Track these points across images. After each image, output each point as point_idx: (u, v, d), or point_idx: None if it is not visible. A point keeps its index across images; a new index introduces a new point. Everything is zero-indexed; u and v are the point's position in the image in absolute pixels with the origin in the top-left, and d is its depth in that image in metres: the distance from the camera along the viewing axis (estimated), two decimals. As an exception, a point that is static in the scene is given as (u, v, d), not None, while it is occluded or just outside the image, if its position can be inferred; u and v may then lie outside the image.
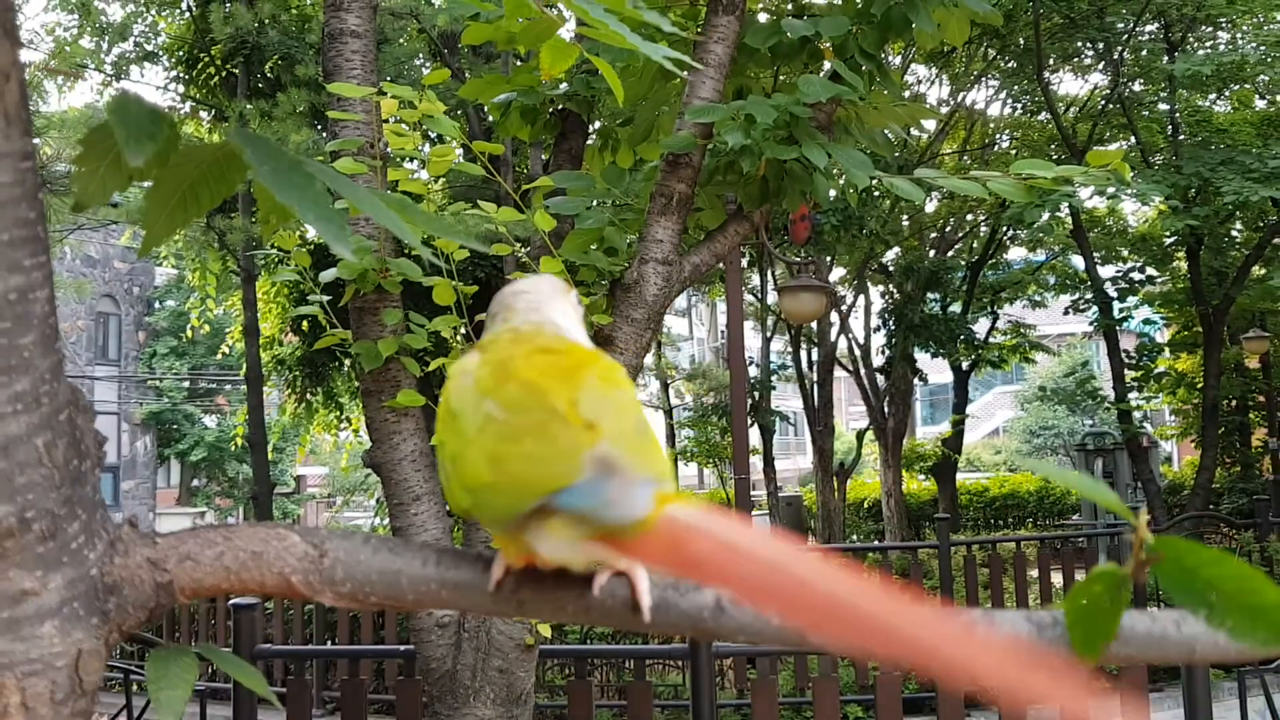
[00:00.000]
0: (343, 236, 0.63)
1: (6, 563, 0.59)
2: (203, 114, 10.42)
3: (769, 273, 13.76)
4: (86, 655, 0.59)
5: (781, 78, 3.01)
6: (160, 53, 10.37)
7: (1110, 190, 9.09)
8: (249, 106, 8.96)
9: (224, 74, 9.93)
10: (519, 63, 5.63)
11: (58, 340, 0.61)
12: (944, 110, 12.16)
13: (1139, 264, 11.84)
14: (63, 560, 0.59)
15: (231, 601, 2.69)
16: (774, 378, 14.55)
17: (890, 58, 10.77)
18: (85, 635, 0.60)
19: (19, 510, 0.58)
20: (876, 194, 9.24)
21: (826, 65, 2.81)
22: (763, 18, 3.34)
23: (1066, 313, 13.16)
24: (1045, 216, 10.45)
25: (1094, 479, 0.65)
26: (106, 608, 0.61)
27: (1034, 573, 6.91)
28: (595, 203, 2.74)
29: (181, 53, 10.16)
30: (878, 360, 13.20)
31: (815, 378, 13.17)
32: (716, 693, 3.25)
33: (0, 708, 0.59)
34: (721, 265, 9.40)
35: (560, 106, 3.06)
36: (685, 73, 2.51)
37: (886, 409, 12.73)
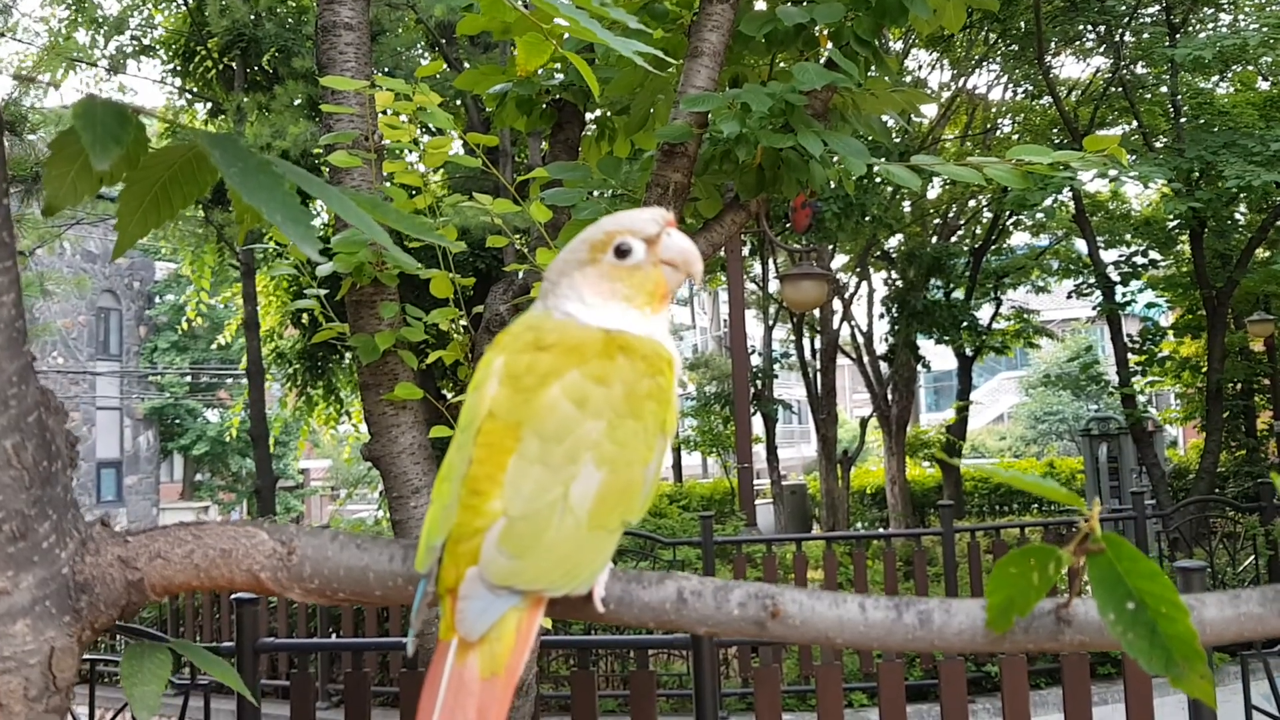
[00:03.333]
0: (309, 236, 0.63)
1: (-22, 563, 0.59)
2: (199, 107, 10.42)
3: (770, 261, 13.73)
4: (59, 653, 0.60)
5: (778, 65, 2.99)
6: (157, 46, 10.37)
7: (1112, 174, 9.04)
8: (246, 99, 8.95)
9: (221, 67, 9.93)
10: (516, 53, 5.60)
11: (25, 343, 0.61)
12: (945, 95, 12.10)
13: (1142, 248, 11.79)
14: (33, 560, 0.60)
15: (234, 596, 2.69)
16: (777, 366, 14.55)
17: (891, 43, 10.71)
18: (58, 633, 0.60)
19: (-11, 511, 0.58)
20: (877, 180, 9.20)
21: (824, 52, 2.80)
22: (759, 5, 3.32)
23: (1070, 297, 13.12)
24: (1048, 201, 10.40)
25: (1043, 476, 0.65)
26: (78, 606, 0.62)
27: (1038, 559, 6.91)
28: (592, 193, 2.73)
29: (178, 46, 10.16)
30: (881, 347, 13.19)
31: (818, 365, 13.17)
32: (720, 682, 3.27)
33: (-25, 705, 0.59)
34: (723, 254, 9.38)
35: (556, 96, 3.05)
36: (678, 60, 2.50)
37: (890, 396, 12.72)
